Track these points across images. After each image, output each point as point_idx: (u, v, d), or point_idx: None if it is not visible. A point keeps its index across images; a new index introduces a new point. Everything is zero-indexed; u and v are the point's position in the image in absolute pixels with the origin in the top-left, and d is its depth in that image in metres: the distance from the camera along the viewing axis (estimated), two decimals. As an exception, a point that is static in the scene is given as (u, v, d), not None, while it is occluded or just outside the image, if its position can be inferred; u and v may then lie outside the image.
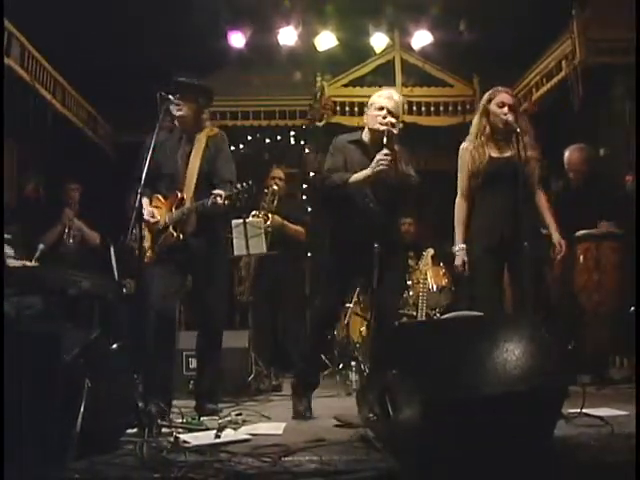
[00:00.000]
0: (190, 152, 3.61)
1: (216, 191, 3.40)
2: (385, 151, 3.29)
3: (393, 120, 3.40)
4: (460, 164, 3.76)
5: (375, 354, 3.28)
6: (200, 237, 3.57)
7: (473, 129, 3.77)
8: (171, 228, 3.51)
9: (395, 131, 3.36)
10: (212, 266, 3.62)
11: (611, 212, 4.58)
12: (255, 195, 3.51)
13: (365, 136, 3.58)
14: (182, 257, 3.55)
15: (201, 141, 3.63)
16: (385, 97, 3.52)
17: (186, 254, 3.54)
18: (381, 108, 3.46)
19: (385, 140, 3.32)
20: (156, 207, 3.62)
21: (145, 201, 3.59)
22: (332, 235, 3.63)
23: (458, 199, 3.76)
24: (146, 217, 3.51)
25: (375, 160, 3.30)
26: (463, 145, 3.77)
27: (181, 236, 3.51)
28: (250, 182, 3.40)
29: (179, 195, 3.54)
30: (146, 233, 3.56)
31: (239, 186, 3.38)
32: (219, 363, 3.72)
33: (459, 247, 3.69)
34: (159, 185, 3.62)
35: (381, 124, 3.40)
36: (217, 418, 3.31)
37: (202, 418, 3.23)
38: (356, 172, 3.41)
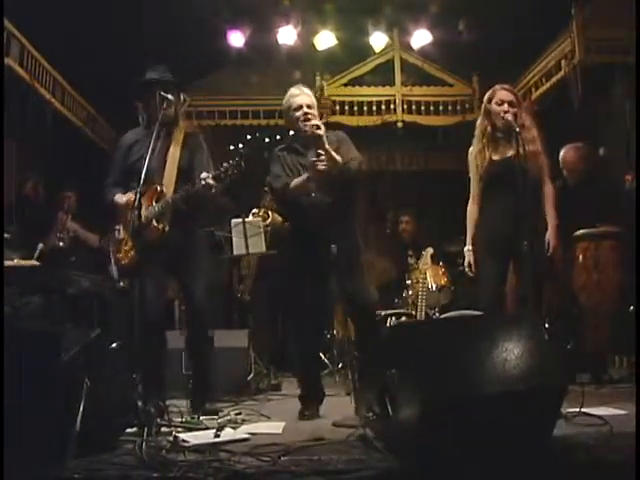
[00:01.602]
0: (168, 148, 3.59)
1: (203, 174, 3.37)
2: (318, 151, 3.30)
3: (317, 122, 3.39)
4: (470, 168, 3.82)
5: (371, 353, 3.27)
6: (178, 232, 3.53)
7: (476, 131, 3.80)
8: (154, 222, 3.45)
9: (320, 132, 3.32)
10: (193, 261, 3.59)
11: (609, 211, 4.57)
12: (244, 172, 3.43)
13: (293, 140, 3.58)
14: (164, 253, 3.50)
15: (179, 137, 3.64)
16: (297, 95, 3.54)
17: (167, 249, 3.50)
18: (299, 107, 3.47)
19: (316, 142, 3.31)
20: (132, 206, 3.46)
21: (120, 196, 3.61)
22: (290, 239, 3.64)
23: (469, 203, 3.83)
24: (122, 201, 3.53)
25: (309, 163, 3.31)
26: (470, 150, 3.82)
27: (166, 228, 3.46)
28: (237, 159, 3.37)
29: (158, 189, 3.50)
30: (123, 235, 3.55)
31: (225, 164, 3.36)
32: (211, 360, 3.70)
33: (467, 249, 3.80)
34: (135, 182, 3.52)
35: (304, 123, 3.41)
36: (216, 417, 3.31)
37: (201, 417, 3.23)
38: (294, 176, 3.42)
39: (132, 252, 3.49)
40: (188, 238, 3.59)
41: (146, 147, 3.38)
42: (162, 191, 3.49)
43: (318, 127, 3.33)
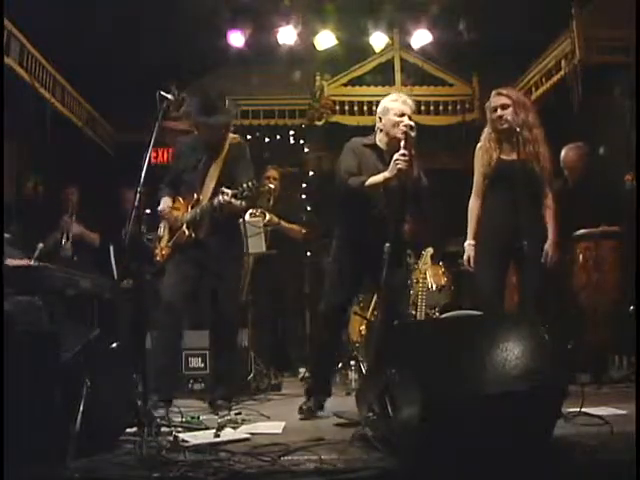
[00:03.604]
0: (213, 158, 3.78)
1: (224, 189, 3.54)
2: (403, 151, 3.32)
3: (412, 123, 3.42)
4: (475, 164, 3.83)
5: (376, 353, 3.29)
6: (213, 237, 3.72)
7: (483, 134, 3.82)
8: (184, 227, 3.69)
9: (413, 134, 3.37)
10: (225, 266, 3.74)
11: (609, 211, 4.57)
12: (256, 193, 3.65)
13: (380, 141, 3.59)
14: (196, 256, 3.71)
15: (224, 148, 3.80)
16: (402, 102, 3.55)
17: (199, 253, 3.70)
18: (402, 114, 3.48)
19: (403, 142, 3.34)
20: (176, 208, 3.83)
21: (167, 200, 3.86)
22: (342, 236, 3.64)
23: (472, 197, 3.84)
24: (160, 210, 3.77)
25: (393, 161, 3.33)
26: (478, 145, 3.84)
27: (193, 235, 3.69)
28: (254, 181, 3.54)
29: (195, 196, 3.72)
30: (165, 231, 3.81)
31: (245, 185, 3.51)
32: (234, 360, 3.91)
33: (468, 243, 3.77)
34: (182, 187, 3.84)
35: (401, 130, 3.41)
36: (216, 417, 3.31)
37: (201, 417, 3.23)
38: (369, 176, 3.43)
39: (167, 250, 3.77)
40: (224, 242, 3.75)
41: (189, 155, 3.78)
42: (198, 200, 3.72)
43: (412, 128, 3.38)
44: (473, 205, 3.82)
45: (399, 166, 3.30)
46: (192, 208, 3.73)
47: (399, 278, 3.49)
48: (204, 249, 3.71)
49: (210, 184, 3.74)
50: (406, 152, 3.31)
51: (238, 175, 3.70)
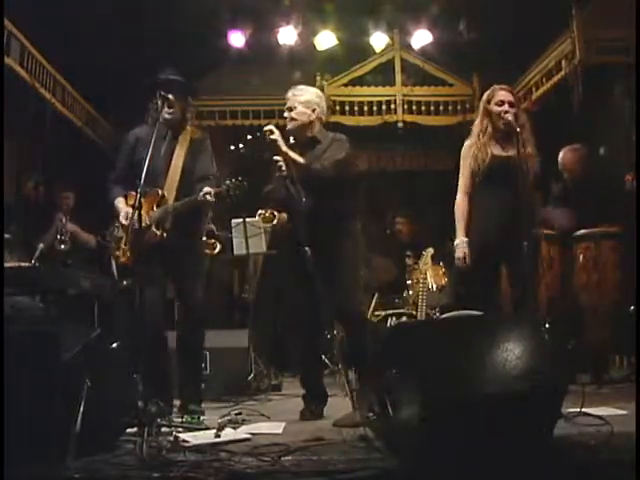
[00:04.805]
0: (174, 150, 3.60)
1: (206, 189, 3.37)
2: (276, 157, 3.36)
3: (270, 127, 3.47)
4: (462, 162, 3.76)
5: (367, 355, 3.29)
6: (177, 235, 3.52)
7: (475, 129, 3.77)
8: (154, 227, 3.46)
9: (273, 136, 3.38)
10: (190, 263, 3.60)
11: (609, 211, 4.57)
12: (247, 191, 3.45)
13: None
14: (162, 256, 3.51)
15: (185, 140, 3.64)
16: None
17: (165, 252, 3.51)
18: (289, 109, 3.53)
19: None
20: (133, 206, 3.46)
21: (121, 200, 3.61)
22: (284, 241, 3.68)
23: (459, 196, 3.75)
24: (122, 220, 3.52)
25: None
26: (466, 143, 3.77)
27: (164, 234, 3.48)
28: (240, 178, 3.38)
29: (160, 193, 3.51)
30: (122, 234, 3.56)
31: (229, 182, 3.36)
32: (202, 362, 3.75)
33: (460, 240, 3.68)
34: (142, 181, 3.47)
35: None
36: (216, 417, 3.31)
37: (202, 417, 3.23)
38: None
39: (130, 252, 3.51)
40: (186, 240, 3.59)
41: (151, 148, 3.36)
42: (163, 196, 3.51)
43: (271, 132, 3.37)
44: (461, 203, 3.73)
45: (277, 174, 3.35)
46: (158, 206, 3.50)
47: (340, 278, 3.41)
48: (168, 249, 3.51)
49: (174, 178, 3.55)
50: (278, 158, 3.35)
51: (201, 168, 3.58)
